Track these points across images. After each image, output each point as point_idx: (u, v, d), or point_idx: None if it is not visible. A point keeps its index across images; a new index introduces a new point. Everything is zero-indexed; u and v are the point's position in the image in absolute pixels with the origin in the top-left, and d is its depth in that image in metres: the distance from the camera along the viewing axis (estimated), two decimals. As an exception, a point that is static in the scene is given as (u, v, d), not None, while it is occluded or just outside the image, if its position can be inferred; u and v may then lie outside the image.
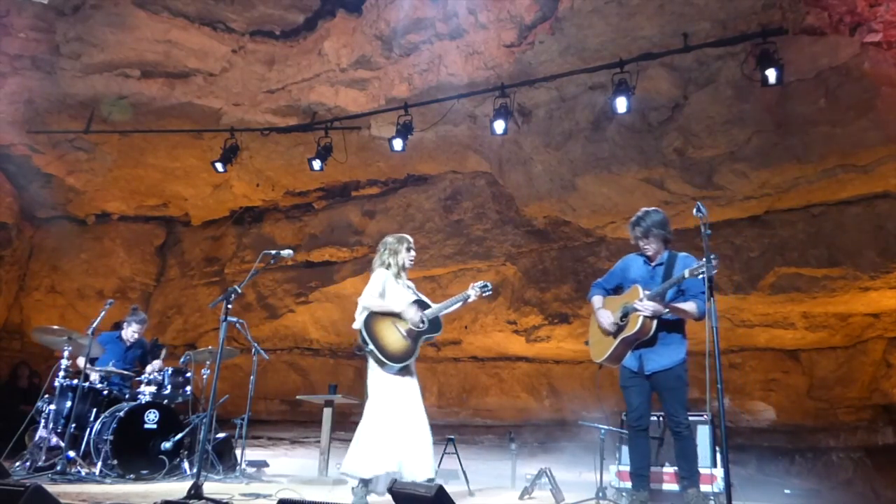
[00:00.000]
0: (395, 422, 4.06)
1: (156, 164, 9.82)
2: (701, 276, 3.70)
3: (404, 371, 4.23)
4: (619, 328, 4.09)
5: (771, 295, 7.81)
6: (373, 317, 4.21)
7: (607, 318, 4.17)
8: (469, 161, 9.26)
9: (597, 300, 4.35)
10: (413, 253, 4.54)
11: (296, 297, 10.88)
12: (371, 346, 4.12)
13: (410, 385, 4.24)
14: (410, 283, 4.53)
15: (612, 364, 4.22)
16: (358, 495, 3.96)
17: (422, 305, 4.35)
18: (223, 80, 8.50)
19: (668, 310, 3.96)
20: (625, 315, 4.07)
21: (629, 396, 4.14)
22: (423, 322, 4.27)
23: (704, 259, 3.52)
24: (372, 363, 4.22)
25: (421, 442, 4.09)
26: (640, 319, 3.95)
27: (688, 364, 4.10)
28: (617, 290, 4.34)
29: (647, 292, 3.98)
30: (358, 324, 4.23)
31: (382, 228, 10.26)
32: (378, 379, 4.19)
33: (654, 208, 4.27)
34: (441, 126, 8.15)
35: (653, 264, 4.19)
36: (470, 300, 4.47)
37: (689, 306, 3.97)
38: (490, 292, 4.54)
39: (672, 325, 4.04)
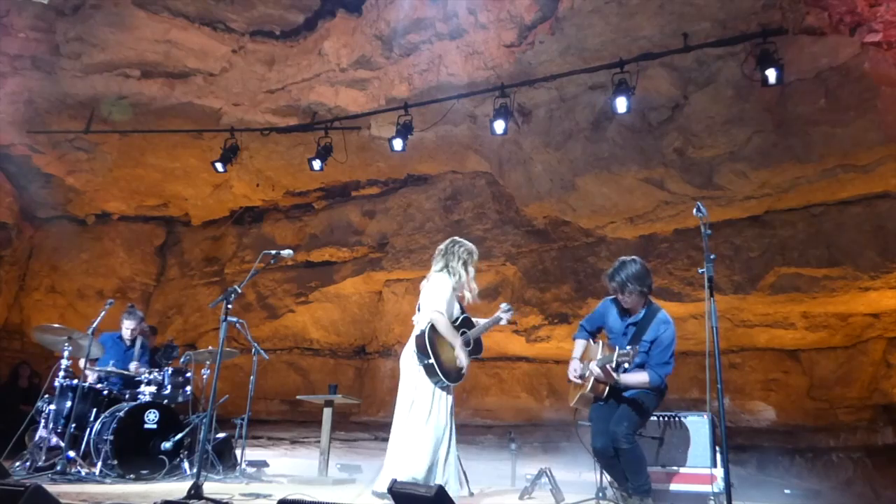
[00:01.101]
0: (436, 435, 4.07)
1: (156, 164, 9.82)
2: (625, 362, 3.79)
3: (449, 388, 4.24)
4: (581, 383, 4.13)
5: (771, 295, 7.81)
6: (434, 329, 4.15)
7: (574, 371, 4.20)
8: (469, 161, 9.25)
9: (578, 347, 4.34)
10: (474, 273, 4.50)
11: (296, 297, 10.88)
12: (431, 360, 4.05)
13: (451, 400, 4.25)
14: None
15: (585, 407, 4.28)
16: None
17: (466, 323, 4.35)
18: (223, 80, 8.50)
19: (615, 383, 3.94)
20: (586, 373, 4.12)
21: (593, 424, 4.13)
22: (468, 343, 4.29)
23: (705, 263, 3.51)
24: (420, 372, 4.16)
25: (452, 456, 4.16)
26: (592, 382, 4.00)
27: (654, 395, 4.03)
28: (599, 330, 4.37)
29: (600, 357, 4.00)
30: (419, 329, 4.18)
31: (382, 228, 10.27)
32: (427, 389, 4.16)
33: (632, 258, 4.12)
34: (441, 126, 8.15)
35: (627, 321, 4.11)
36: (501, 322, 4.47)
37: (641, 378, 3.92)
38: (512, 311, 4.56)
39: (624, 390, 4.02)
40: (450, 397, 4.22)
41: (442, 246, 4.47)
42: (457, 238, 4.53)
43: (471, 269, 4.38)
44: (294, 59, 8.39)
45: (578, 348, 4.32)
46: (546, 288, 9.19)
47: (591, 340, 4.36)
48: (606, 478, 4.82)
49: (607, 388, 4.00)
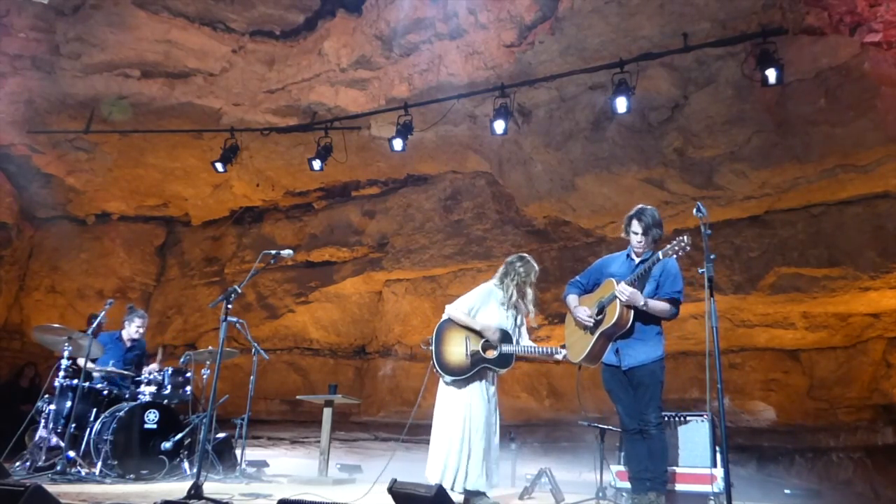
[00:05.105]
0: (443, 431, 4.09)
1: (156, 164, 9.82)
2: (673, 255, 3.78)
3: (463, 382, 4.16)
4: (597, 322, 4.04)
5: (771, 295, 7.81)
6: (451, 322, 4.22)
7: (584, 313, 4.12)
8: (469, 161, 9.25)
9: (571, 299, 4.30)
10: (533, 295, 4.42)
11: (296, 297, 10.88)
12: (432, 347, 4.15)
13: (469, 396, 4.16)
14: (511, 314, 4.42)
15: (591, 363, 4.14)
16: None
17: (505, 337, 4.28)
18: (223, 80, 8.50)
19: (643, 305, 3.90)
20: (601, 310, 4.04)
21: (616, 399, 4.05)
22: (495, 348, 4.22)
23: (705, 259, 3.52)
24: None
25: (471, 453, 4.06)
26: (618, 309, 3.89)
27: (664, 362, 4.03)
28: (595, 287, 4.27)
29: (627, 279, 3.95)
30: (442, 320, 4.27)
31: (382, 228, 10.27)
32: (443, 389, 4.22)
33: (649, 206, 4.18)
34: (441, 126, 8.15)
35: (635, 260, 4.13)
36: (556, 357, 4.33)
37: (664, 305, 3.95)
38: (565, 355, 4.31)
39: (649, 317, 3.98)
40: (464, 389, 4.16)
41: (510, 258, 4.52)
42: (525, 256, 4.53)
43: (528, 291, 4.38)
44: (294, 59, 8.39)
45: (574, 301, 4.27)
46: (546, 288, 9.16)
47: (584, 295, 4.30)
48: (607, 476, 4.83)
49: (632, 316, 3.92)
